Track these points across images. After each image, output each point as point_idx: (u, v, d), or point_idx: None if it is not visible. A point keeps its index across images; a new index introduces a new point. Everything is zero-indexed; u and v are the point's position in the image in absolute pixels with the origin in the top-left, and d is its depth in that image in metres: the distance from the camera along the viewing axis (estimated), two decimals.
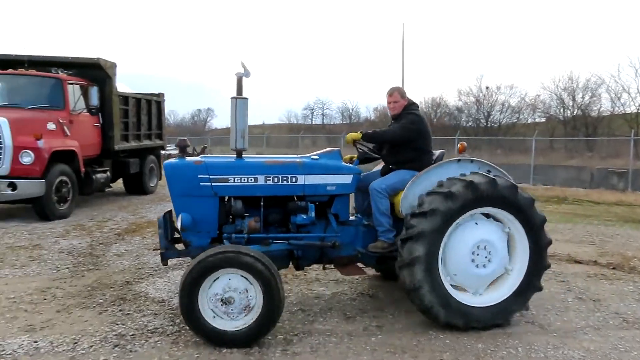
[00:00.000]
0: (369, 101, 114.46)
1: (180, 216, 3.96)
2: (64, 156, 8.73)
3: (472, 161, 4.25)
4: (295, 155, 4.54)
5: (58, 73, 9.55)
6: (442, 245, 3.87)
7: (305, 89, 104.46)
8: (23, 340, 3.61)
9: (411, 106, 4.53)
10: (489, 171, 4.18)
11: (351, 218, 4.52)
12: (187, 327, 3.70)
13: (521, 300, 4.07)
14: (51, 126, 8.59)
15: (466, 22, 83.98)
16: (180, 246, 4.20)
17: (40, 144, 8.04)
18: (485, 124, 36.98)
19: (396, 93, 4.52)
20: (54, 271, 5.47)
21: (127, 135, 11.18)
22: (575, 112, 32.09)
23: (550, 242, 4.13)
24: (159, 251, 4.14)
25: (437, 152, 4.70)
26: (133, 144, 11.46)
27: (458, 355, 3.56)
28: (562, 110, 33.47)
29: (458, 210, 3.85)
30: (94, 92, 9.55)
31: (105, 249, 6.49)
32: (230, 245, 3.86)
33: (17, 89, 9.21)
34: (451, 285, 3.97)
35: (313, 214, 4.19)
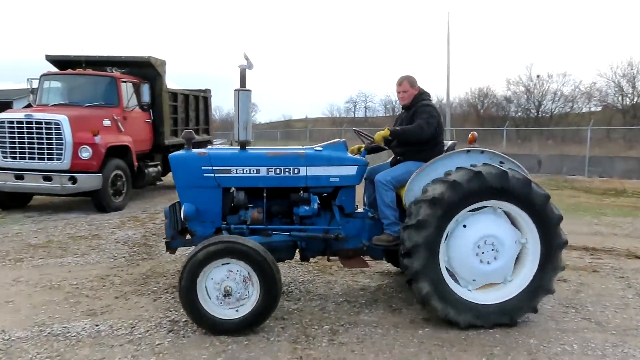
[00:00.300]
0: None
1: (183, 206, 4.05)
2: (119, 151, 9.16)
3: (482, 152, 4.08)
4: (298, 147, 4.51)
5: (112, 72, 10.00)
6: (444, 235, 3.73)
7: (348, 82, 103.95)
8: (85, 324, 3.83)
9: (422, 95, 4.42)
10: (501, 163, 4.01)
11: (359, 210, 4.46)
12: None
13: (529, 301, 3.85)
14: (107, 123, 9.02)
15: (515, 8, 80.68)
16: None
17: (97, 139, 8.47)
18: (535, 114, 35.52)
19: (405, 82, 4.40)
20: (112, 260, 5.77)
21: (176, 130, 11.57)
22: (635, 100, 30.20)
23: (565, 243, 3.87)
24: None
25: (448, 143, 4.57)
26: (182, 138, 11.82)
27: (509, 351, 3.47)
28: (620, 98, 31.63)
29: (463, 201, 3.70)
30: (145, 89, 9.94)
31: (157, 240, 6.77)
32: (227, 235, 3.90)
33: (75, 88, 9.73)
34: (454, 277, 3.89)
35: (316, 206, 4.17)
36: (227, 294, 3.59)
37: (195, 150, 4.17)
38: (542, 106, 35.42)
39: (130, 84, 9.90)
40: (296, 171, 4.10)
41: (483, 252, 3.79)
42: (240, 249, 3.56)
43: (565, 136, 24.69)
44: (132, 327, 3.77)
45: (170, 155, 4.24)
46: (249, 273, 3.60)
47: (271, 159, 4.11)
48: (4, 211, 8.86)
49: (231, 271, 3.60)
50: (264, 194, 4.17)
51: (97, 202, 8.78)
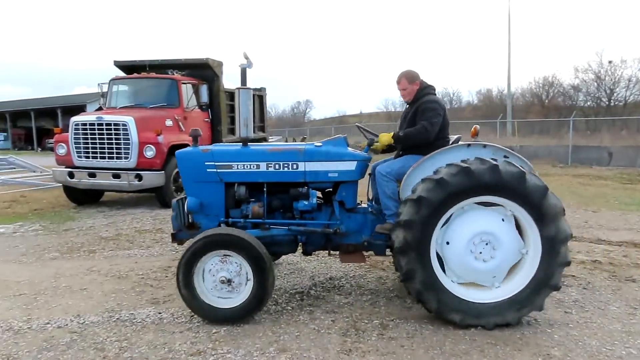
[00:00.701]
0: (472, 85, 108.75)
1: (187, 200, 4.23)
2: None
3: (484, 146, 3.88)
4: (299, 143, 4.51)
5: (173, 74, 10.51)
6: (435, 233, 3.62)
7: None
8: (150, 311, 4.11)
9: (425, 89, 4.26)
10: (505, 157, 3.80)
11: (363, 206, 4.41)
12: (291, 306, 3.92)
13: (533, 300, 3.65)
14: (169, 123, 9.51)
15: None
16: None
17: (160, 139, 8.95)
18: (607, 102, 33.17)
19: (403, 80, 4.26)
20: (174, 252, 6.10)
21: (233, 128, 11.95)
22: None
23: (569, 236, 3.60)
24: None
25: (453, 137, 4.39)
26: (189, 135, 12.18)
27: (567, 352, 3.32)
28: None
29: (452, 198, 3.57)
30: (203, 89, 10.37)
31: None
32: (221, 228, 4.07)
33: (140, 91, 10.34)
34: (450, 273, 3.75)
35: (314, 201, 4.21)
36: (222, 283, 3.76)
37: (199, 147, 4.35)
38: (615, 94, 33.04)
39: (190, 85, 10.35)
40: (295, 166, 4.16)
41: (480, 249, 3.67)
42: (232, 240, 3.74)
43: None
44: (191, 316, 3.98)
45: (177, 152, 4.46)
46: (241, 263, 3.76)
47: (271, 155, 4.21)
48: (79, 207, 9.61)
49: (225, 262, 3.77)
50: (265, 189, 4.26)
51: (160, 198, 9.29)
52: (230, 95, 11.79)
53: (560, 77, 45.60)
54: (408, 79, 4.26)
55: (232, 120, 11.92)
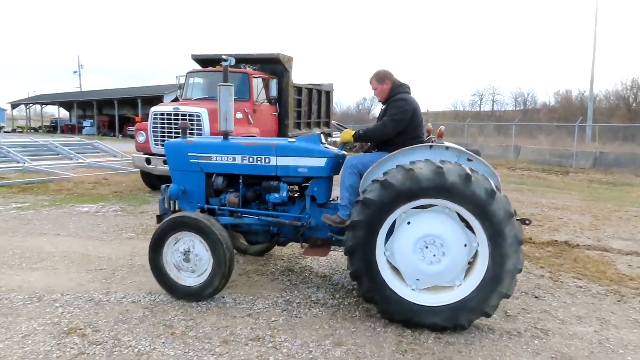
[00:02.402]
0: (549, 85, 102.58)
1: (169, 186, 4.61)
2: None
3: (447, 148, 3.72)
4: (273, 138, 4.52)
5: (246, 68, 10.87)
6: (379, 235, 3.59)
7: (475, 74, 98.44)
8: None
9: (397, 88, 4.15)
10: (469, 160, 3.65)
11: (337, 201, 4.38)
12: (348, 302, 3.97)
13: (482, 305, 3.48)
14: (239, 115, 9.86)
15: None
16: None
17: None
18: None
19: (373, 80, 4.24)
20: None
21: (300, 123, 12.17)
22: None
23: (520, 241, 3.37)
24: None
25: (426, 137, 4.28)
26: (304, 131, 12.44)
27: None
28: None
29: (395, 201, 3.52)
30: (273, 84, 10.64)
31: None
32: (187, 212, 4.40)
33: (214, 84, 10.72)
34: (425, 290, 3.63)
35: (285, 194, 4.39)
36: (185, 261, 4.10)
37: (184, 138, 4.66)
38: None
39: (261, 79, 10.66)
40: (267, 160, 4.33)
41: (427, 252, 3.58)
42: (191, 222, 4.03)
43: None
44: (252, 303, 4.15)
45: (165, 142, 4.87)
46: (200, 243, 4.04)
47: (245, 148, 4.43)
48: (154, 191, 10.24)
49: (185, 241, 4.09)
50: (240, 180, 4.51)
51: None
52: (298, 90, 12.01)
53: None
54: (377, 79, 4.26)
55: (299, 115, 12.14)
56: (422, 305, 3.61)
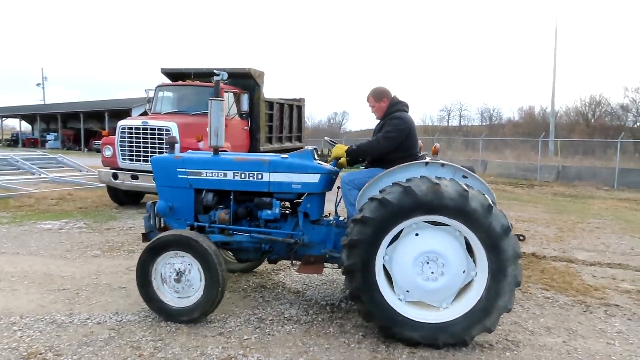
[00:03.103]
0: (513, 101, 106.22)
1: (157, 203, 4.45)
2: None
3: (442, 165, 3.79)
4: (265, 154, 4.55)
5: None
6: (379, 253, 3.58)
7: (442, 90, 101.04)
8: None
9: (394, 106, 4.23)
10: (464, 177, 3.72)
11: (329, 217, 4.41)
12: (322, 318, 3.92)
13: (497, 303, 3.51)
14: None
15: (633, 8, 72.68)
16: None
17: (201, 145, 9.18)
18: None
19: (370, 98, 4.29)
20: None
21: (271, 137, 12.13)
22: None
23: (518, 255, 3.45)
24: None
25: (421, 154, 4.34)
26: (276, 145, 12.40)
27: None
28: None
29: (393, 218, 3.52)
30: (244, 98, 10.59)
31: None
32: (177, 230, 4.24)
33: (184, 98, 10.65)
34: (411, 302, 3.67)
35: (277, 210, 4.30)
36: (175, 282, 3.92)
37: (172, 154, 4.54)
38: None
39: (232, 93, 10.60)
40: (260, 176, 4.26)
41: (427, 268, 3.60)
42: (185, 241, 3.88)
43: None
44: (224, 321, 4.05)
45: (152, 157, 4.69)
46: (192, 263, 3.90)
47: (237, 164, 4.33)
48: (121, 207, 9.97)
49: (176, 261, 3.93)
50: (232, 197, 4.40)
51: None
52: (270, 104, 12.00)
53: (608, 96, 44.05)
54: (375, 97, 4.29)
55: (271, 129, 12.11)
56: (404, 317, 3.61)
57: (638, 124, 32.96)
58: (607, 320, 4.36)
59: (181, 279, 3.93)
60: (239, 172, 4.30)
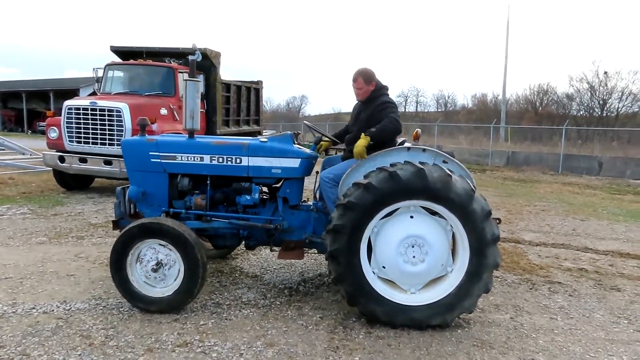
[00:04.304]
0: (467, 89, 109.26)
1: (129, 189, 4.26)
2: None
3: (424, 150, 3.90)
4: (243, 138, 4.50)
5: (170, 62, 10.41)
6: (363, 238, 3.63)
7: (399, 76, 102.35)
8: None
9: (380, 90, 4.25)
10: (444, 162, 3.85)
11: (308, 203, 4.43)
12: (280, 301, 3.92)
13: (463, 303, 3.66)
14: (163, 111, 9.43)
15: (580, 1, 76.04)
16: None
17: (154, 127, 8.86)
18: (599, 113, 33.51)
19: (360, 79, 4.18)
20: None
21: (228, 120, 11.89)
22: None
23: (497, 238, 3.63)
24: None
25: (399, 140, 4.43)
26: (233, 129, 12.17)
27: (552, 358, 3.37)
28: None
29: (379, 203, 3.58)
30: (200, 79, 10.27)
31: None
32: (153, 217, 4.08)
33: (136, 78, 10.21)
34: (383, 279, 3.77)
35: (257, 196, 4.21)
36: (153, 271, 3.79)
37: (144, 137, 4.33)
38: (608, 105, 33.39)
39: (187, 74, 10.26)
40: (238, 161, 4.14)
41: (410, 251, 3.68)
42: (162, 229, 3.74)
43: (632, 138, 23.14)
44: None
45: (122, 140, 4.47)
46: (171, 252, 3.78)
47: (215, 148, 4.18)
48: (69, 192, 9.51)
49: (154, 249, 3.81)
50: (208, 182, 4.25)
51: None
52: (227, 86, 11.73)
53: (555, 86, 46.21)
54: (365, 79, 4.19)
55: (228, 112, 11.87)
56: (373, 289, 3.66)
57: (581, 112, 34.74)
58: (550, 296, 4.61)
59: (159, 270, 3.79)
60: (217, 156, 4.14)
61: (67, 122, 8.96)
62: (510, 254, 6.03)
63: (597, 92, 33.55)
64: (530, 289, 4.82)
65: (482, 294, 3.70)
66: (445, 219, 3.69)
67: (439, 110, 52.94)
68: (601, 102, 33.52)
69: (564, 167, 17.98)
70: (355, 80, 4.22)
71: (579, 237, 7.24)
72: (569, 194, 12.21)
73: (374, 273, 3.75)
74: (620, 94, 32.81)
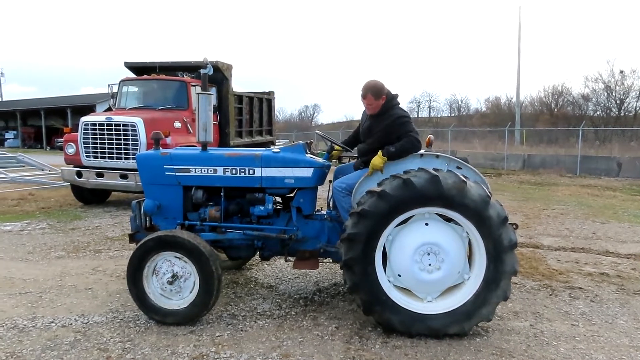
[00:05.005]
0: (480, 92, 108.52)
1: (144, 202, 4.30)
2: None
3: (437, 156, 3.84)
4: (256, 149, 4.55)
5: (183, 76, 10.56)
6: (378, 246, 3.59)
7: (411, 82, 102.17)
8: None
9: (392, 101, 4.10)
10: (458, 167, 3.78)
11: (321, 212, 4.40)
12: (295, 312, 3.90)
13: (480, 311, 3.59)
14: (177, 124, 9.54)
15: (593, 0, 75.14)
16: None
17: (168, 140, 8.95)
18: (617, 113, 32.91)
19: (369, 95, 4.01)
20: None
21: (241, 131, 11.99)
22: None
23: (514, 244, 3.55)
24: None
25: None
26: (246, 139, 12.26)
27: None
28: None
29: (393, 211, 3.54)
30: (212, 92, 10.39)
31: None
32: (169, 230, 4.07)
33: (150, 92, 10.38)
34: (399, 288, 3.71)
35: (270, 206, 4.21)
36: (169, 283, 3.82)
37: (159, 150, 4.38)
38: (625, 104, 32.78)
39: (199, 87, 10.37)
40: (251, 172, 4.15)
41: (425, 259, 3.63)
42: (177, 242, 3.76)
43: None
44: None
45: (137, 154, 4.51)
46: (186, 265, 3.80)
47: (228, 160, 4.20)
48: (86, 206, 9.66)
49: (170, 262, 3.83)
50: (222, 193, 4.27)
51: None
52: (239, 98, 11.84)
53: (570, 86, 45.53)
54: (374, 94, 4.02)
55: (240, 123, 11.96)
56: (389, 297, 3.62)
57: (598, 113, 34.18)
58: (571, 302, 4.51)
59: (175, 282, 3.82)
60: (230, 167, 4.17)
61: (83, 138, 9.12)
62: (529, 259, 5.92)
63: (614, 92, 32.99)
64: (550, 295, 4.72)
65: (500, 301, 3.63)
66: (460, 225, 3.64)
67: (452, 114, 52.65)
68: (618, 101, 32.95)
69: (581, 169, 17.68)
70: (364, 97, 4.08)
71: (600, 241, 7.09)
72: (587, 197, 11.99)
73: (389, 281, 3.71)
74: (637, 92, 32.22)
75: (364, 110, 4.38)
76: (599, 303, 4.51)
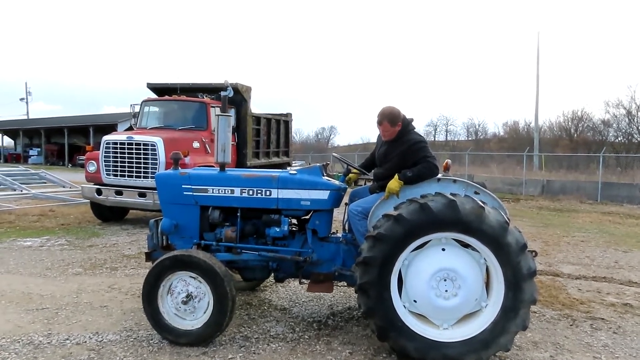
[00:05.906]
0: (498, 116, 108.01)
1: (162, 221, 4.35)
2: None
3: (454, 181, 3.80)
4: (274, 170, 4.57)
5: (203, 97, 10.77)
6: (394, 271, 3.54)
7: (428, 105, 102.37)
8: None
9: (408, 126, 4.08)
10: (476, 192, 3.72)
11: (337, 235, 4.35)
12: (308, 335, 3.85)
13: (498, 340, 3.48)
14: (196, 145, 9.69)
15: (614, 24, 74.87)
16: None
17: (187, 160, 9.10)
18: (639, 139, 32.35)
19: (385, 123, 4.00)
20: None
21: (258, 152, 12.10)
22: None
23: (533, 272, 3.44)
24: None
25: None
26: (263, 160, 12.36)
27: None
28: None
29: (409, 235, 3.50)
30: (231, 113, 10.56)
31: None
32: (185, 250, 4.11)
33: (170, 113, 10.60)
34: (414, 314, 3.62)
35: (286, 228, 4.22)
36: (183, 303, 3.82)
37: (178, 170, 4.44)
38: None
39: (219, 108, 10.56)
40: (268, 193, 4.17)
41: (442, 285, 3.56)
42: (192, 261, 3.78)
43: None
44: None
45: (156, 174, 4.59)
46: (201, 285, 3.80)
47: (245, 181, 4.24)
48: (104, 223, 9.80)
49: (185, 282, 3.84)
50: (239, 214, 4.29)
51: None
52: (257, 119, 12.00)
53: (590, 112, 45.14)
54: (390, 121, 4.01)
55: (257, 144, 12.09)
56: (404, 324, 3.56)
57: (619, 139, 33.67)
58: (593, 334, 4.37)
59: (189, 302, 3.84)
60: (247, 188, 4.21)
61: (104, 156, 9.30)
62: (549, 288, 5.78)
63: (636, 118, 32.52)
64: (571, 325, 4.58)
65: (519, 330, 3.54)
66: (478, 251, 3.59)
67: (470, 138, 52.41)
68: None
69: (602, 196, 17.32)
70: (380, 123, 4.08)
71: (622, 270, 6.89)
72: (609, 224, 11.71)
73: (405, 307, 3.66)
74: None
75: (378, 138, 4.40)
76: (622, 335, 4.36)
